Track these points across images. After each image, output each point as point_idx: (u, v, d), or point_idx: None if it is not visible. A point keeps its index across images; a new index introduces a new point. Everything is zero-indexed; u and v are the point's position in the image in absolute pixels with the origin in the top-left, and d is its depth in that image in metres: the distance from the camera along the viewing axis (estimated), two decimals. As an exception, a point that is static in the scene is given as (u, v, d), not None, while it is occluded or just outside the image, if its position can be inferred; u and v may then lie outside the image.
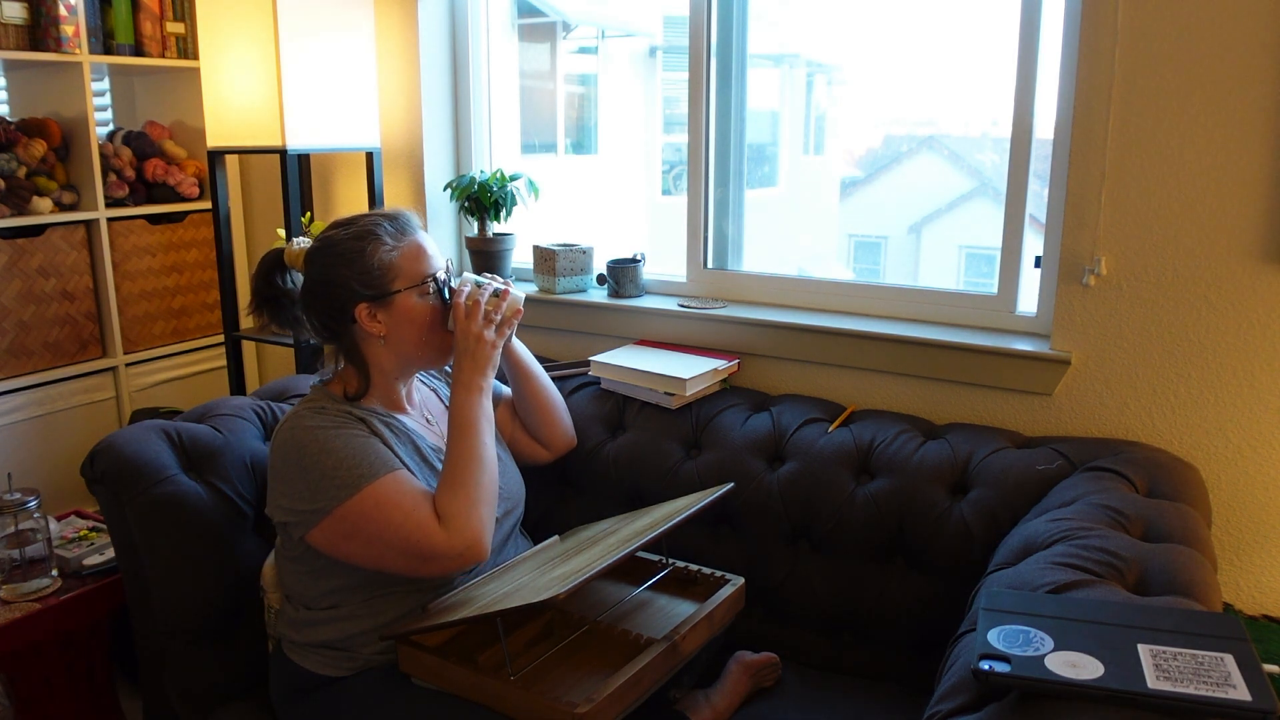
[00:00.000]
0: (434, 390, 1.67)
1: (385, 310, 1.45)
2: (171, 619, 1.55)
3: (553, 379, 2.00)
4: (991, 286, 1.84)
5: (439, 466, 1.49)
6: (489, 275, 1.55)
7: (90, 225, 2.38)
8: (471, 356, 1.45)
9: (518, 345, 1.69)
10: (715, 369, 1.88)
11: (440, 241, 2.43)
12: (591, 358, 1.95)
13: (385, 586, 1.43)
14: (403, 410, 1.53)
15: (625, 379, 1.89)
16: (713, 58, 2.08)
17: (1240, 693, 0.90)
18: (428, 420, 1.59)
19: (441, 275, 1.49)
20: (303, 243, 1.53)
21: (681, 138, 2.15)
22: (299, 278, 1.53)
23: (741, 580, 1.57)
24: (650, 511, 1.58)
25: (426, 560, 1.36)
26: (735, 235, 2.19)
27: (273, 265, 1.56)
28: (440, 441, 1.55)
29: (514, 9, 2.57)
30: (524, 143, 2.66)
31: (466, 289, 1.48)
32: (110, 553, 1.93)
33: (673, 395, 1.82)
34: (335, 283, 1.44)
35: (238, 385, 2.37)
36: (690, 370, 1.84)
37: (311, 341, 2.22)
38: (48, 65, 2.30)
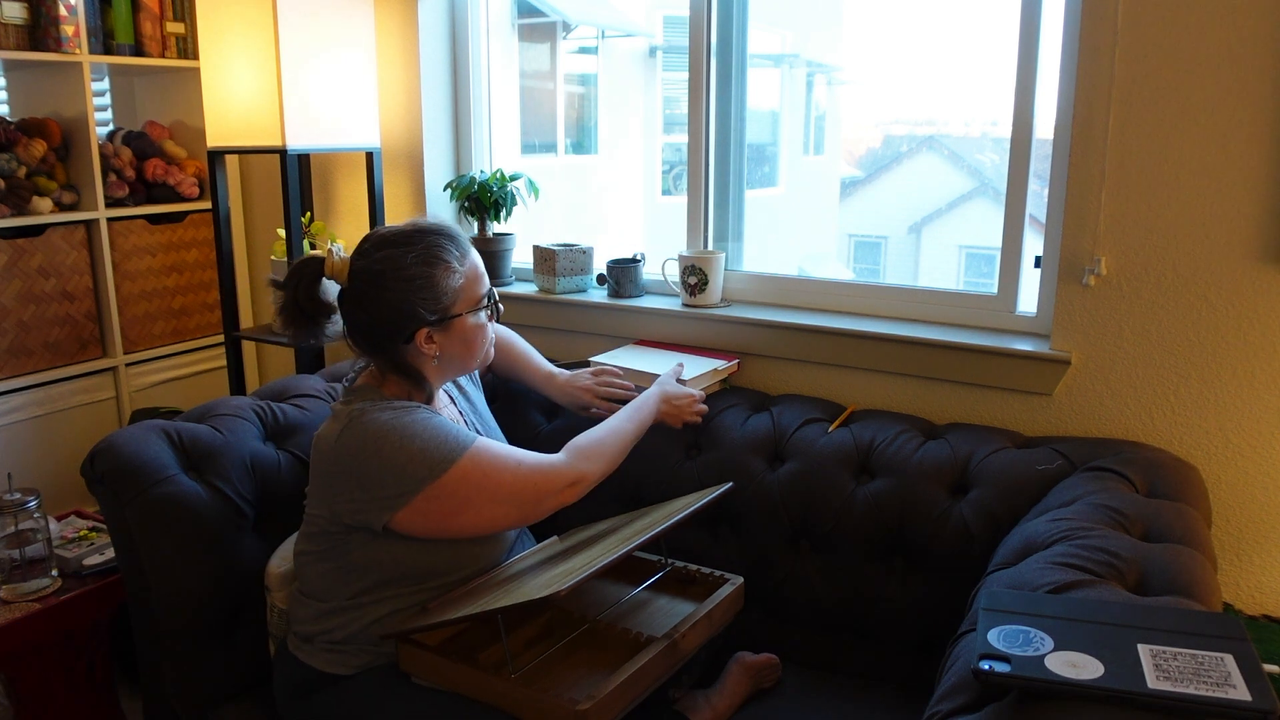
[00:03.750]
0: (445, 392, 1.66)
1: (443, 332, 1.45)
2: (171, 619, 1.55)
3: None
4: (991, 286, 1.84)
5: None
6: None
7: (90, 225, 2.38)
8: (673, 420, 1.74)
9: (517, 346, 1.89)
10: (715, 369, 1.88)
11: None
12: (591, 358, 1.94)
13: (415, 583, 1.43)
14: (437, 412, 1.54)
15: (630, 378, 1.88)
16: (713, 58, 2.08)
17: (1240, 693, 0.90)
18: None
19: (489, 294, 1.51)
20: (342, 253, 1.47)
21: (681, 138, 2.15)
22: (333, 288, 1.49)
23: (740, 580, 1.57)
24: (650, 511, 1.58)
25: (539, 498, 1.45)
26: (735, 235, 2.19)
27: (316, 276, 1.48)
28: None
29: (514, 9, 2.57)
30: (524, 143, 2.66)
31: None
32: (110, 553, 1.93)
33: None
34: (398, 307, 1.42)
35: (238, 385, 2.37)
36: (690, 371, 1.84)
37: (312, 343, 2.22)
38: (48, 65, 2.30)
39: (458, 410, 1.63)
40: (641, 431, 1.64)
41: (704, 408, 1.79)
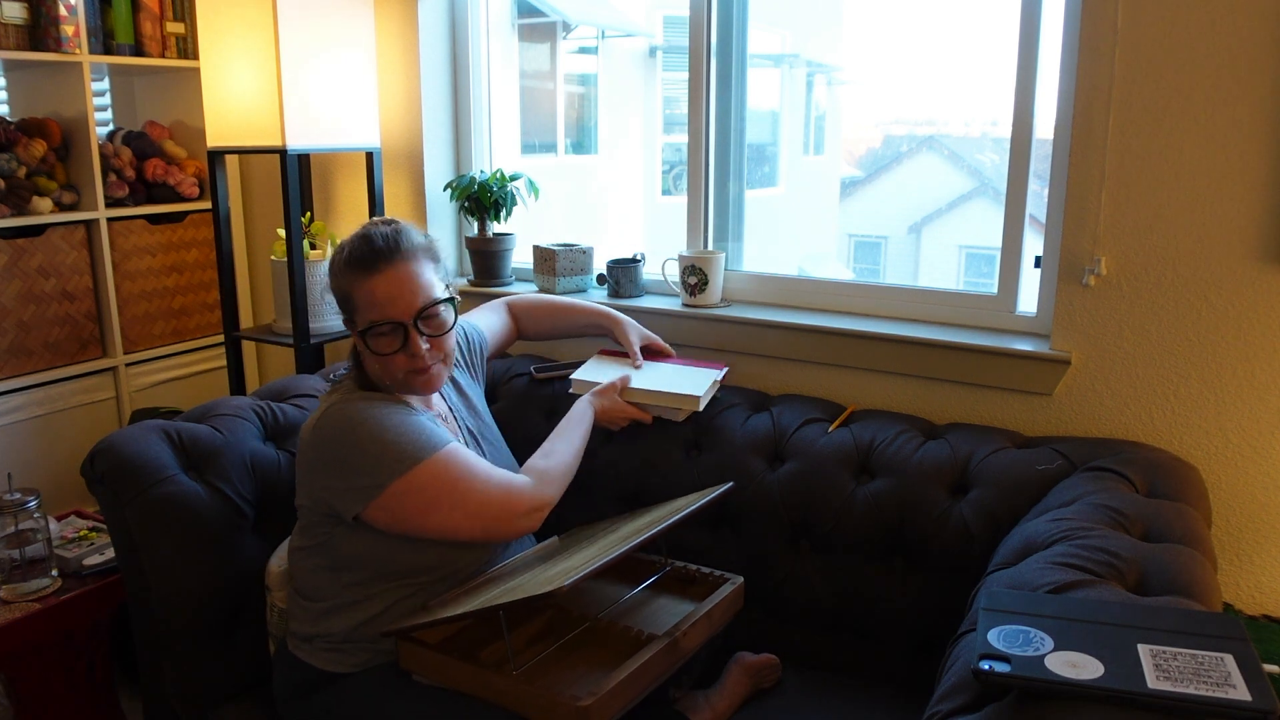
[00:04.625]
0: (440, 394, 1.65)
1: (359, 338, 1.46)
2: (171, 619, 1.55)
3: (549, 379, 2.00)
4: (991, 286, 1.84)
5: None
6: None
7: (90, 225, 2.38)
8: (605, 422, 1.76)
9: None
10: (715, 380, 1.83)
11: (440, 242, 2.40)
12: (572, 376, 1.86)
13: (403, 578, 1.44)
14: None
15: (637, 399, 1.80)
16: (713, 58, 2.08)
17: (1240, 693, 0.90)
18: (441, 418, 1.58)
19: (386, 323, 1.40)
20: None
21: (681, 138, 2.15)
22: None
23: (740, 579, 1.57)
24: (650, 511, 1.58)
25: (503, 519, 1.44)
26: (735, 235, 2.19)
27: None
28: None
29: (514, 9, 2.57)
30: (524, 143, 2.66)
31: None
32: (110, 553, 1.93)
33: (679, 409, 1.80)
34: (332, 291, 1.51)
35: (238, 385, 2.37)
36: (693, 387, 1.78)
37: (313, 341, 2.22)
38: (48, 65, 2.30)
39: (448, 406, 1.63)
40: (586, 443, 1.66)
41: (641, 415, 1.78)
